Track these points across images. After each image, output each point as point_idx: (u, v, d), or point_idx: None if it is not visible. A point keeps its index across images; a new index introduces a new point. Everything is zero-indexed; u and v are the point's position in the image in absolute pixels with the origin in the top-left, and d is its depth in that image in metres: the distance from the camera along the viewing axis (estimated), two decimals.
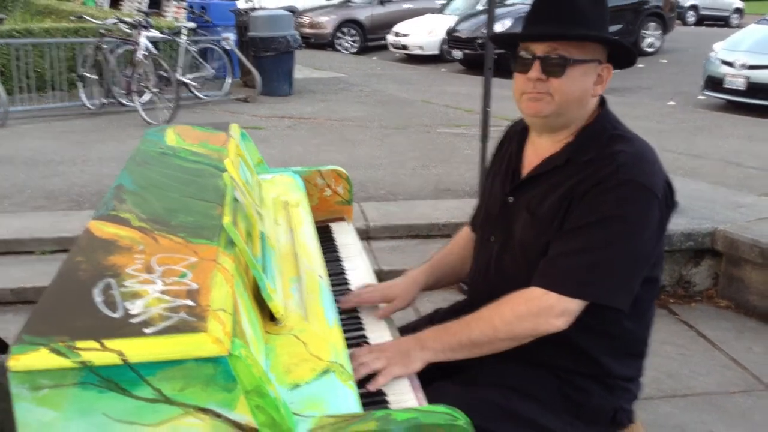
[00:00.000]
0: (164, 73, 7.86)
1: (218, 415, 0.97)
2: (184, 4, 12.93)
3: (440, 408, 1.09)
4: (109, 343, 0.94)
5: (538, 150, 1.59)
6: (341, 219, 2.36)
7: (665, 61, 13.60)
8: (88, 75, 8.08)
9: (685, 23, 24.45)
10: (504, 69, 10.96)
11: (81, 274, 1.13)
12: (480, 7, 15.60)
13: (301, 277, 1.54)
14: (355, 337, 1.58)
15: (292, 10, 11.23)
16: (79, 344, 0.93)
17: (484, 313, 1.49)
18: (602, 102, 1.56)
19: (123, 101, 8.03)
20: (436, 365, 1.49)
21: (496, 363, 1.51)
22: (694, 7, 25.43)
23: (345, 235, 2.23)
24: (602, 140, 1.50)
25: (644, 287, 1.53)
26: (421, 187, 4.99)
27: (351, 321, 1.66)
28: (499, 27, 12.13)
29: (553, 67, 1.45)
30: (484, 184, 1.81)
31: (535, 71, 1.45)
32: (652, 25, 14.19)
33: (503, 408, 1.52)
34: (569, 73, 1.45)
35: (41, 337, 0.95)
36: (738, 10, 25.96)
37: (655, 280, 1.60)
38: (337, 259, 2.05)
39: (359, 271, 1.96)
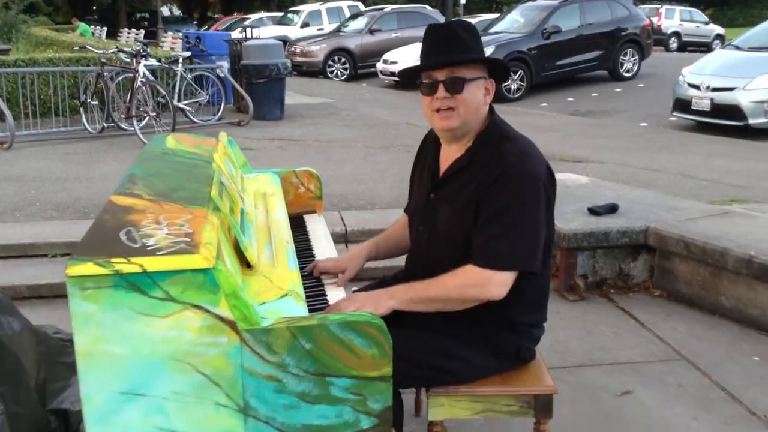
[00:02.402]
0: (162, 99, 8.40)
1: (207, 311, 1.43)
2: (180, 34, 13.52)
3: (362, 313, 1.55)
4: (133, 260, 1.40)
5: (448, 155, 2.06)
6: (313, 211, 2.83)
7: (642, 85, 14.19)
8: (90, 101, 8.59)
9: (667, 49, 25.22)
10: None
11: (108, 225, 1.60)
12: None
13: (272, 241, 2.01)
14: (318, 294, 2.04)
15: (285, 40, 11.80)
16: (113, 260, 1.40)
17: (441, 278, 1.91)
18: (491, 110, 2.02)
19: (122, 125, 8.53)
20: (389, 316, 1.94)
21: (430, 314, 1.97)
22: (676, 34, 26.24)
23: (315, 224, 2.71)
24: (494, 143, 1.96)
25: (543, 254, 1.98)
26: (398, 198, 5.46)
27: (316, 285, 2.12)
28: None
29: (455, 87, 1.91)
30: (411, 180, 2.28)
31: (441, 92, 1.92)
32: (630, 51, 14.78)
33: (431, 344, 1.98)
34: (467, 89, 1.91)
35: (86, 256, 1.41)
36: (719, 36, 26.77)
37: (548, 247, 2.06)
38: (307, 240, 2.52)
39: (323, 248, 2.43)
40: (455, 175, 2.00)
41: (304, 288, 1.92)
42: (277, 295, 1.66)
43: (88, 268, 1.38)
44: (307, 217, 2.77)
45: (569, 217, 4.06)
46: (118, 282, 1.39)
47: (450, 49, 1.93)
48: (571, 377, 3.08)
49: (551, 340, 3.43)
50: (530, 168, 1.92)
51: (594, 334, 3.51)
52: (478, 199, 1.92)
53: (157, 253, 1.43)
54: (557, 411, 2.80)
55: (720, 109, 9.43)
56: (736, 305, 3.60)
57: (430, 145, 2.16)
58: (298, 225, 2.65)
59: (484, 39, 13.93)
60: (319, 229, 2.63)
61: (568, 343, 3.41)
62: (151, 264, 1.40)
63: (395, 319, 1.95)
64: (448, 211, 2.00)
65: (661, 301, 3.91)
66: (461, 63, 1.92)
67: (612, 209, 4.18)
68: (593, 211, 4.14)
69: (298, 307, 1.62)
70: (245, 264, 1.80)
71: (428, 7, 19.06)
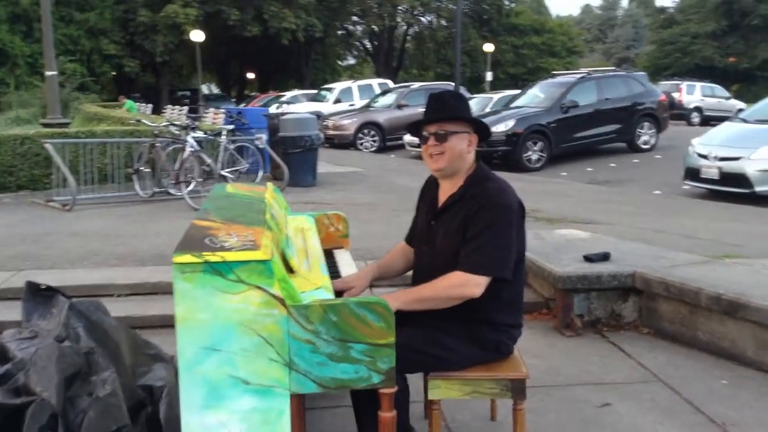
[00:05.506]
0: (206, 168, 9.22)
1: (265, 290, 2.05)
2: (222, 110, 14.60)
3: (374, 297, 2.16)
4: (217, 253, 2.04)
5: (445, 191, 2.71)
6: (341, 247, 3.47)
7: (659, 156, 14.79)
8: (143, 169, 9.47)
9: (690, 123, 25.89)
10: (509, 164, 12.24)
11: (195, 235, 2.24)
12: (488, 110, 17.15)
13: (308, 257, 2.65)
14: None
15: (318, 115, 12.73)
16: (203, 253, 2.03)
17: (432, 282, 2.54)
18: (477, 158, 2.68)
19: (171, 191, 9.35)
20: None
21: (429, 314, 2.57)
22: (698, 109, 26.94)
23: (342, 256, 3.34)
24: (479, 182, 2.62)
25: (514, 267, 2.59)
26: None
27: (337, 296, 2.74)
28: (503, 126, 13.57)
29: (441, 138, 2.59)
30: (415, 216, 2.93)
31: (432, 140, 2.61)
32: (647, 124, 15.50)
33: (429, 337, 2.56)
34: (450, 139, 2.59)
35: (185, 251, 2.05)
36: (741, 111, 27.35)
37: (520, 262, 2.66)
38: (336, 267, 3.14)
39: (347, 272, 3.04)
40: (450, 206, 2.64)
41: None
42: (312, 287, 2.28)
43: (187, 257, 2.02)
44: (336, 252, 3.41)
45: (565, 263, 4.62)
46: (206, 268, 2.03)
47: (439, 111, 2.61)
48: (559, 393, 3.60)
49: (546, 366, 3.96)
50: (505, 200, 2.56)
51: (584, 362, 4.03)
52: (466, 222, 2.55)
53: (232, 249, 2.07)
54: (544, 417, 3.37)
55: (728, 178, 9.95)
56: (711, 339, 4.10)
57: (431, 185, 2.82)
58: (328, 256, 3.28)
59: (506, 113, 14.87)
60: (344, 259, 3.26)
61: (560, 369, 3.93)
62: (229, 256, 2.04)
63: (403, 319, 2.55)
64: (444, 233, 2.63)
65: (648, 337, 4.41)
66: (446, 120, 2.61)
67: (605, 257, 4.74)
68: (588, 258, 4.70)
69: (327, 295, 2.24)
70: (289, 270, 2.43)
71: (453, 84, 20.07)
